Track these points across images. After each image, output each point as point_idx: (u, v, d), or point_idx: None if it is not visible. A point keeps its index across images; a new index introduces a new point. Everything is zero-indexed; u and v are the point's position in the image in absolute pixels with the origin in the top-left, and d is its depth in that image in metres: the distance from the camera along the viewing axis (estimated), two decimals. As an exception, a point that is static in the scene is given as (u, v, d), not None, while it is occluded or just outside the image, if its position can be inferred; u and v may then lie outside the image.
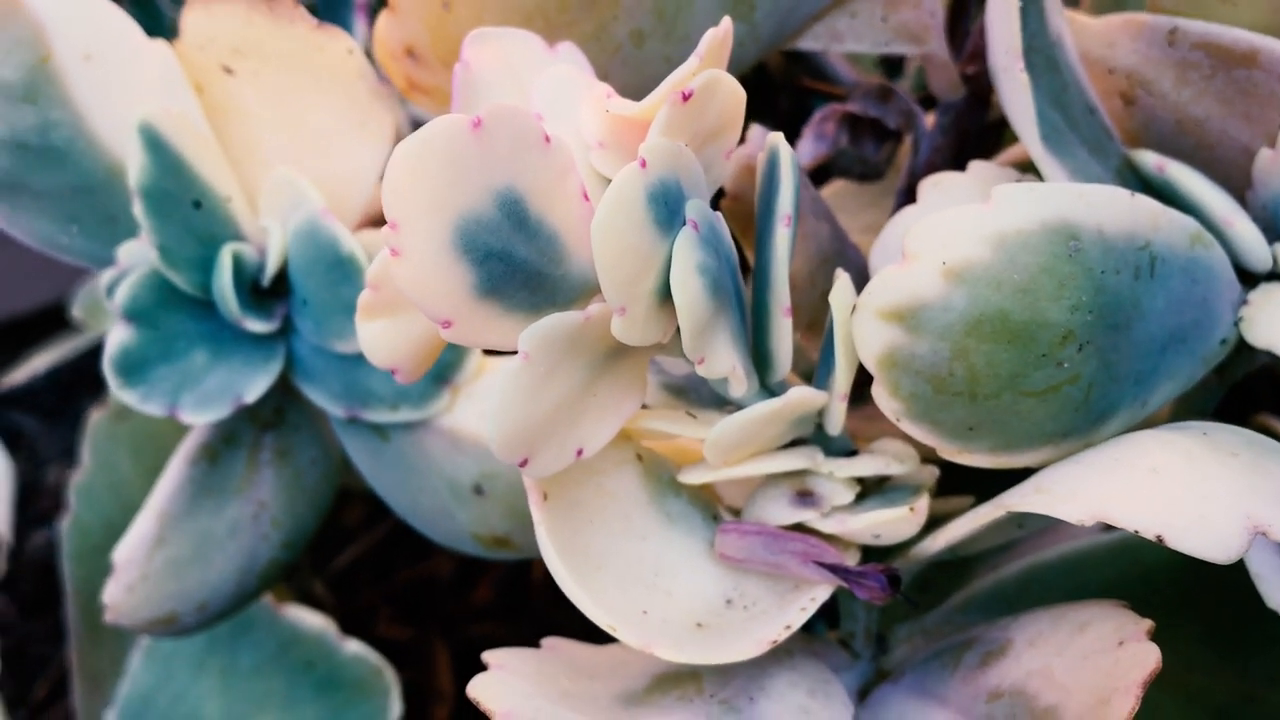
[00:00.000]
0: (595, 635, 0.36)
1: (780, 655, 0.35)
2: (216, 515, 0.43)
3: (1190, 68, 0.38)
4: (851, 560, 0.34)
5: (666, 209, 0.28)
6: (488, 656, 0.32)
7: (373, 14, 0.53)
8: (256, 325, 0.40)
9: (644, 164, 0.28)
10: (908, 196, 0.43)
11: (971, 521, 0.32)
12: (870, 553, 0.35)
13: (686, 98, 0.29)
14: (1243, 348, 0.36)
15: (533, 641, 0.35)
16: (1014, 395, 0.31)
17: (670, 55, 0.40)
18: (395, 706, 0.51)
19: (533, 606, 0.75)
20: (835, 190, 0.51)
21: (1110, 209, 0.32)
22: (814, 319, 0.39)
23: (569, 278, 0.29)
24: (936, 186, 0.37)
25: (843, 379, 0.33)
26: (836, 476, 0.34)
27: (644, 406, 0.34)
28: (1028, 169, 0.39)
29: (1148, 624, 0.30)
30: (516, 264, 0.28)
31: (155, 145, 0.38)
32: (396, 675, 0.52)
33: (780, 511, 0.34)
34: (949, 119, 0.43)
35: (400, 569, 0.80)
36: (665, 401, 0.35)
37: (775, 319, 0.33)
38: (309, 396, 0.42)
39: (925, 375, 0.31)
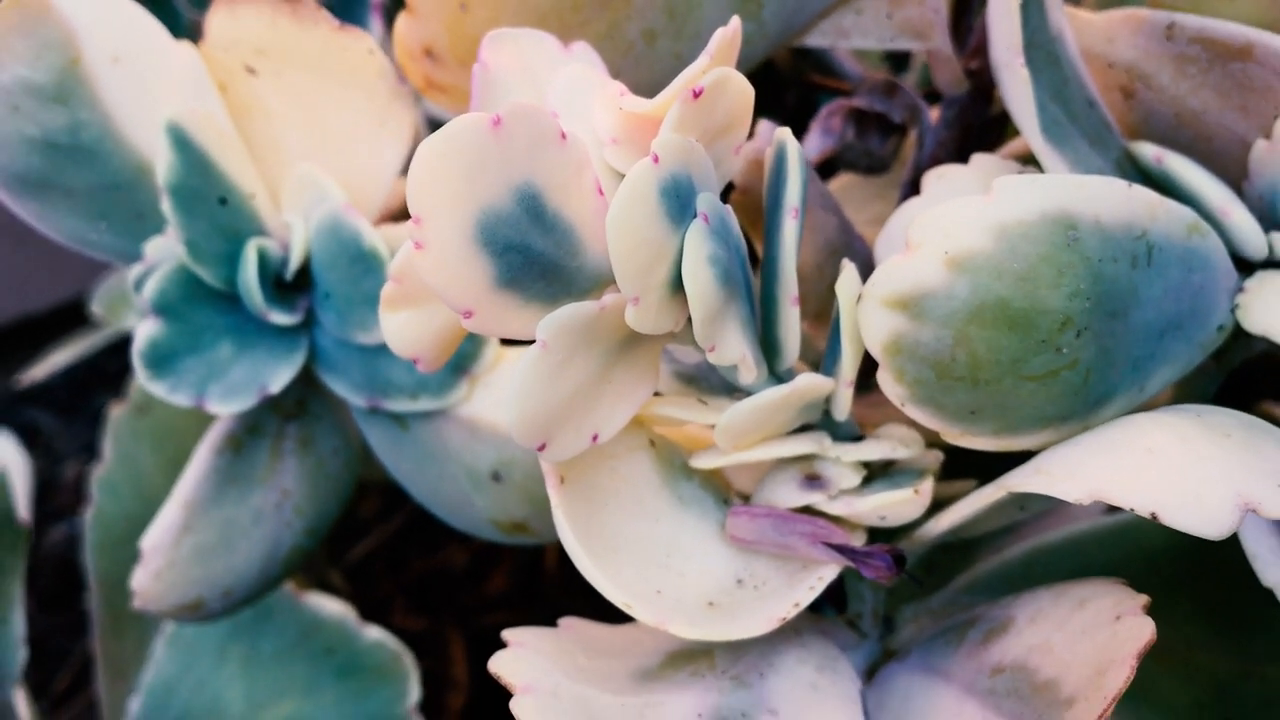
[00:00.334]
0: (609, 620, 0.37)
1: (790, 634, 0.36)
2: (241, 503, 0.44)
3: (1188, 61, 0.39)
4: (858, 542, 0.35)
5: (678, 202, 0.30)
6: (507, 634, 0.33)
7: (387, 14, 0.54)
8: (280, 318, 0.41)
9: (656, 159, 0.29)
10: (912, 189, 0.44)
11: (974, 503, 0.33)
12: (876, 534, 0.36)
13: (697, 95, 0.30)
14: (1240, 334, 0.37)
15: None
16: (1014, 380, 0.32)
17: (681, 53, 0.41)
18: (414, 691, 0.52)
19: (546, 595, 0.76)
20: (843, 184, 0.52)
21: (1108, 200, 0.33)
22: (821, 309, 0.40)
23: (585, 269, 0.30)
24: (940, 178, 0.38)
25: (849, 366, 0.34)
26: (843, 461, 0.35)
27: (657, 394, 0.35)
28: (1029, 161, 0.40)
29: (1143, 599, 0.31)
30: (534, 256, 0.29)
31: (182, 144, 0.39)
32: (413, 648, 0.53)
33: (789, 494, 0.35)
34: (953, 113, 0.44)
35: (415, 560, 0.81)
36: (678, 390, 0.36)
37: (783, 308, 0.34)
38: (331, 387, 0.43)
39: (929, 361, 0.32)
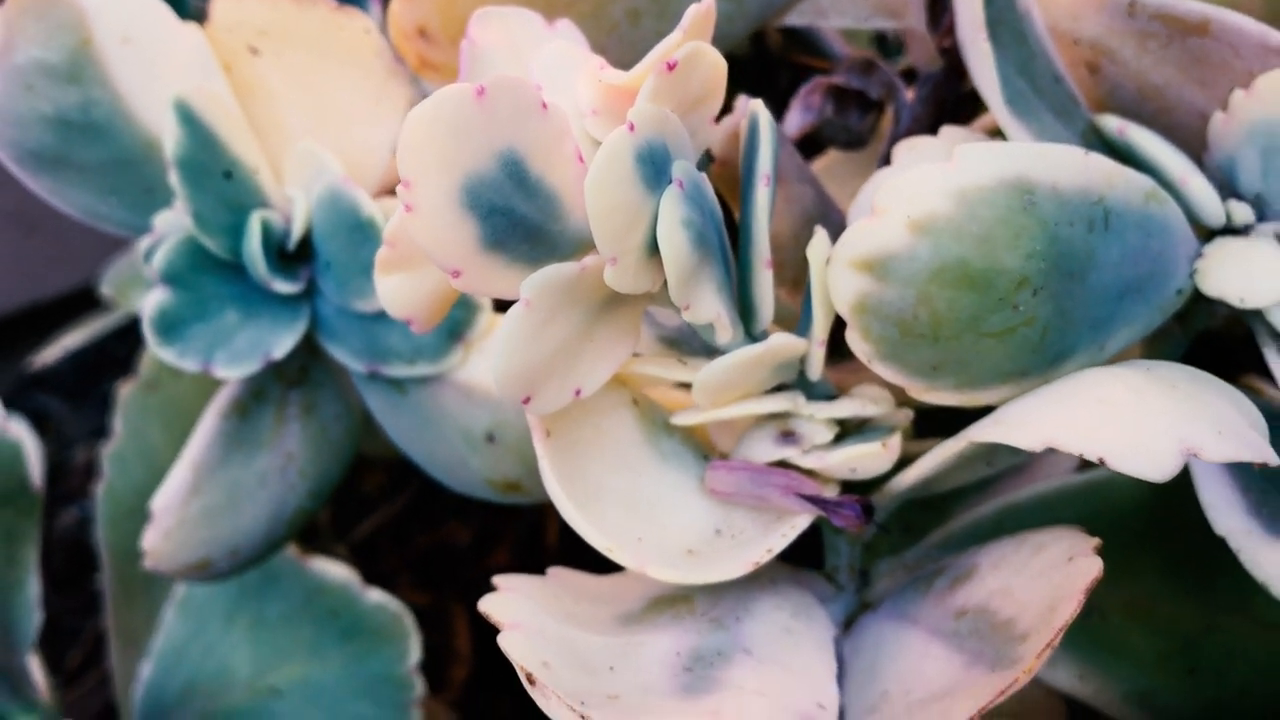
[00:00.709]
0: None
1: (766, 583, 0.38)
2: (247, 466, 0.46)
3: (1149, 37, 0.41)
4: (831, 494, 0.37)
5: (654, 168, 0.31)
6: (498, 580, 0.35)
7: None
8: (283, 286, 0.43)
9: (632, 128, 0.30)
10: (887, 162, 0.45)
11: (939, 454, 0.35)
12: (850, 489, 0.38)
13: (671, 67, 0.31)
14: (1200, 299, 0.39)
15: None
16: (974, 336, 0.34)
17: (663, 32, 0.43)
18: (415, 650, 0.54)
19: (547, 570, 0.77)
20: (828, 162, 0.54)
21: (1065, 167, 0.34)
22: (798, 276, 0.42)
23: (567, 233, 0.32)
24: (911, 149, 0.39)
25: (820, 326, 0.36)
26: (816, 418, 0.37)
27: (639, 356, 0.37)
28: (998, 135, 0.42)
29: (1095, 541, 0.33)
30: (518, 219, 0.31)
31: (189, 120, 0.41)
32: (416, 622, 0.55)
33: (765, 449, 0.37)
34: (927, 90, 0.46)
35: (419, 536, 0.83)
36: (659, 352, 0.38)
37: (757, 271, 0.35)
38: (332, 354, 0.45)
39: (893, 319, 0.33)
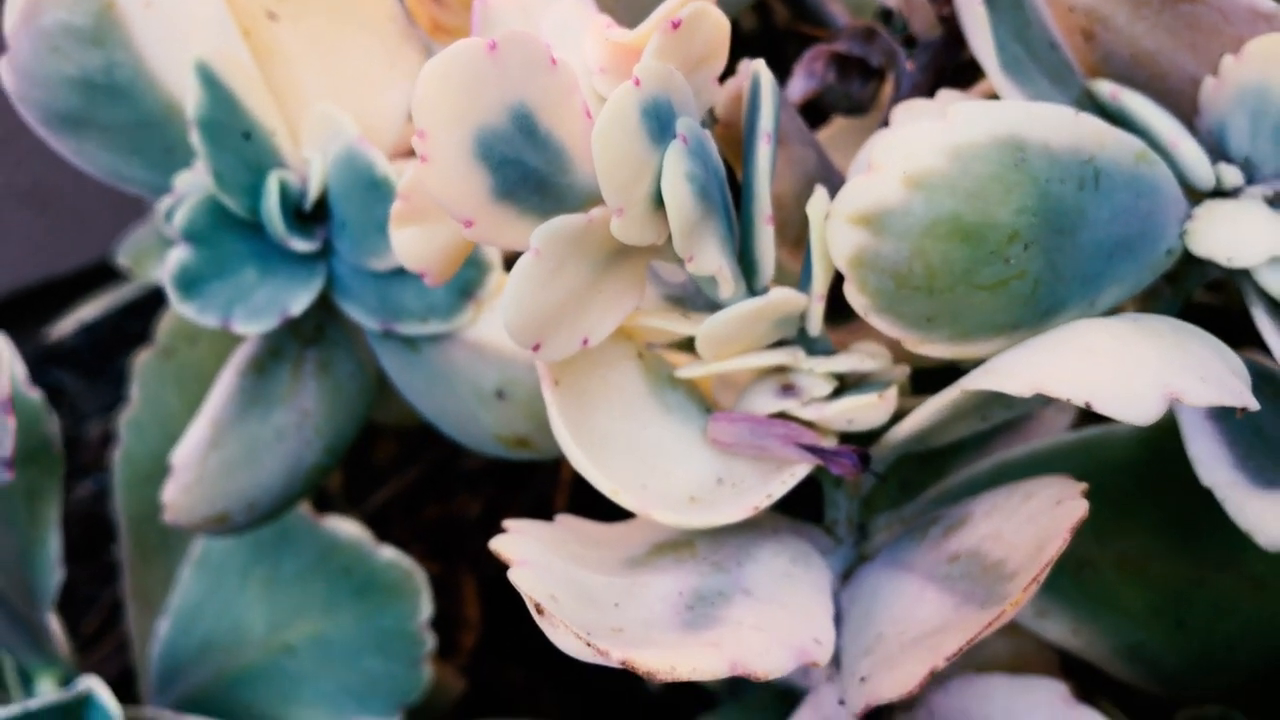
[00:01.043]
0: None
1: (768, 531, 0.40)
2: (264, 422, 0.47)
3: (1142, 4, 0.41)
4: (829, 445, 0.38)
5: (658, 123, 0.33)
6: (508, 523, 0.36)
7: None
8: (300, 245, 0.44)
9: (638, 83, 0.32)
10: (886, 125, 0.47)
11: (934, 405, 0.36)
12: (848, 441, 0.39)
13: (675, 26, 0.33)
14: (1191, 260, 0.40)
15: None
16: (967, 289, 0.35)
17: (671, -2, 0.44)
18: (426, 606, 0.55)
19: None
20: (833, 130, 0.55)
21: (1056, 126, 0.35)
22: (799, 236, 0.43)
23: (575, 186, 0.33)
24: (908, 111, 0.40)
25: (820, 280, 0.37)
26: (816, 372, 0.38)
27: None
28: (995, 100, 0.43)
29: (1083, 486, 0.34)
30: (528, 171, 0.32)
31: (210, 82, 0.42)
32: (427, 578, 0.56)
33: (765, 402, 0.38)
34: (927, 57, 0.47)
35: (430, 508, 0.84)
36: (664, 308, 0.40)
37: (759, 227, 0.37)
38: (347, 312, 0.46)
39: (889, 272, 0.35)
